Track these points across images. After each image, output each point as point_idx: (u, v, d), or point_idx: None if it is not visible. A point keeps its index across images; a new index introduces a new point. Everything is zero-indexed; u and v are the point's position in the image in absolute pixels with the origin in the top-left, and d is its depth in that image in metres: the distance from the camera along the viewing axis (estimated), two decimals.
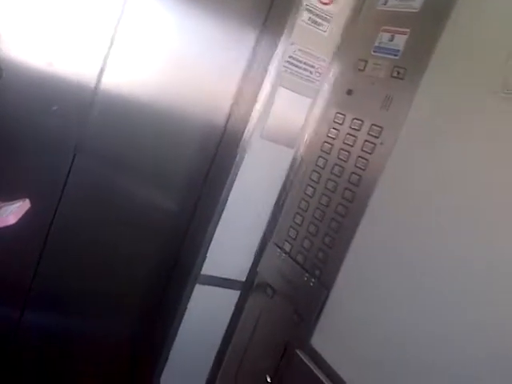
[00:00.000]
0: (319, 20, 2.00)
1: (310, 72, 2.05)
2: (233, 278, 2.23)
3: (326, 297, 1.80)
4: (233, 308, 2.26)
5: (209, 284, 2.18)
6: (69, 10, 1.83)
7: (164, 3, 1.97)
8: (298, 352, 1.82)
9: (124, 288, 2.27)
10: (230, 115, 2.19)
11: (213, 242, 2.13)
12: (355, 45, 2.02)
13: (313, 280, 1.88)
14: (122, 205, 2.14)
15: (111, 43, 1.93)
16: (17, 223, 0.85)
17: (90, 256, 2.14)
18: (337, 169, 1.91)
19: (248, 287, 2.24)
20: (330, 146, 1.98)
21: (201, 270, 2.15)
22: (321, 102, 2.10)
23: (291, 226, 2.07)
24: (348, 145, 1.89)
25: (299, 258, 1.99)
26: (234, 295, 2.26)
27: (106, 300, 2.25)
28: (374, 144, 1.78)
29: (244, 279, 2.24)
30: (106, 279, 2.21)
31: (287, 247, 2.07)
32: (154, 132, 2.10)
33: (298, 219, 2.04)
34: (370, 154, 1.79)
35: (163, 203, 2.24)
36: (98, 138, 2.01)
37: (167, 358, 2.20)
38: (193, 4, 2.01)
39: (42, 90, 1.87)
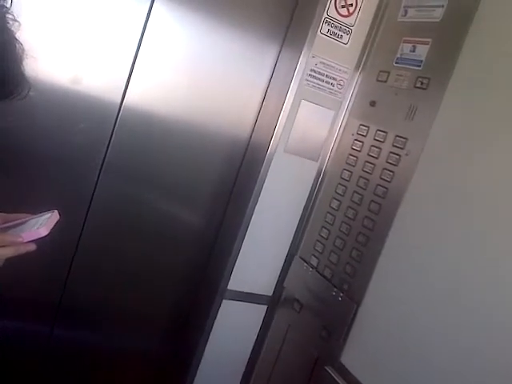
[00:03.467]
0: (339, 32, 1.99)
1: (332, 84, 2.04)
2: (259, 292, 2.21)
3: (355, 311, 1.77)
4: (260, 323, 2.25)
5: (236, 299, 2.17)
6: (93, 28, 1.87)
7: (186, 19, 1.99)
8: (327, 369, 1.79)
9: (151, 303, 2.28)
10: (253, 129, 2.19)
11: (239, 257, 2.12)
12: (377, 56, 2.00)
13: (341, 295, 1.86)
14: (149, 219, 2.16)
15: (134, 60, 1.95)
16: (49, 235, 0.85)
17: (117, 271, 2.16)
18: (362, 181, 1.89)
19: (275, 302, 2.22)
20: (354, 158, 1.96)
21: (227, 285, 2.14)
22: (344, 114, 2.08)
23: (317, 240, 2.05)
24: (373, 157, 1.87)
25: (326, 272, 1.97)
26: (261, 310, 2.24)
27: (133, 315, 2.26)
28: (399, 155, 1.76)
29: (271, 294, 2.23)
30: (132, 294, 2.22)
31: (314, 261, 2.05)
32: (178, 147, 2.11)
33: (324, 233, 2.02)
34: (395, 165, 1.77)
35: (189, 218, 2.24)
36: (123, 154, 2.03)
37: (195, 375, 2.20)
38: (215, 19, 2.02)
39: (69, 107, 1.91)
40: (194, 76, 2.06)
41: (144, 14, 1.92)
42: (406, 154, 1.73)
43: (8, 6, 0.75)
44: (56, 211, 0.93)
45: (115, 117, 1.98)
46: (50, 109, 1.87)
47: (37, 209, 0.99)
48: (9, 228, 0.91)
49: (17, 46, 0.76)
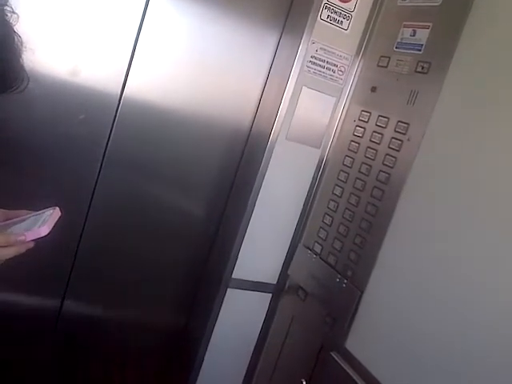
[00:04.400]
0: (339, 18, 1.97)
1: (333, 71, 2.02)
2: (264, 281, 2.22)
3: (360, 298, 1.78)
4: (265, 311, 2.25)
5: (240, 288, 2.18)
6: (91, 20, 1.86)
7: (184, 8, 1.98)
8: (332, 354, 1.80)
9: (155, 295, 2.29)
10: (254, 118, 2.19)
11: (242, 246, 2.12)
12: (377, 41, 1.99)
13: (345, 281, 1.86)
14: (150, 211, 2.16)
15: (134, 50, 1.95)
16: (50, 234, 0.84)
17: (119, 264, 2.17)
18: (364, 167, 1.89)
19: (280, 290, 2.22)
20: (356, 144, 1.96)
21: (231, 274, 2.14)
22: (345, 101, 2.07)
23: (321, 227, 2.05)
24: (375, 142, 1.86)
25: (330, 259, 1.97)
26: (265, 298, 2.25)
27: (136, 307, 2.27)
28: (401, 141, 1.75)
29: (275, 282, 2.23)
30: (136, 286, 2.23)
31: (317, 248, 2.05)
32: (179, 138, 2.12)
33: (328, 220, 2.02)
34: (397, 151, 1.76)
35: (191, 208, 2.25)
36: (124, 145, 2.03)
37: (201, 364, 2.21)
38: (213, 8, 2.01)
39: (68, 99, 1.90)
40: (194, 66, 2.05)
41: (142, 3, 1.91)
42: (408, 140, 1.72)
43: None
44: (57, 208, 0.91)
45: (115, 108, 1.97)
46: (49, 101, 1.87)
47: (37, 204, 0.98)
48: (9, 226, 0.89)
49: (15, 38, 0.76)
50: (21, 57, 0.77)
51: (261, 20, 2.09)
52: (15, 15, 0.77)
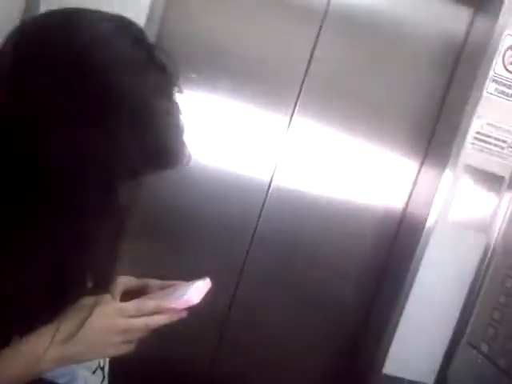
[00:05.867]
0: (509, 90, 1.81)
1: (502, 148, 1.84)
2: (419, 380, 1.99)
3: None
4: None
5: None
6: (244, 122, 1.93)
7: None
8: None
9: (298, 372, 2.14)
10: (408, 200, 2.05)
11: (395, 339, 1.94)
12: None
13: None
14: (298, 291, 2.08)
15: (282, 145, 1.97)
16: (200, 304, 0.82)
17: (265, 342, 2.08)
18: None
19: None
20: None
21: (382, 368, 1.94)
22: None
23: (489, 324, 1.79)
24: None
25: (501, 361, 1.70)
26: None
27: None
28: None
29: (432, 383, 1.97)
30: (279, 369, 2.11)
31: (484, 348, 1.79)
32: (326, 221, 2.04)
33: (497, 315, 1.76)
34: None
35: (339, 293, 2.11)
36: (273, 227, 2.00)
37: None
38: (363, 97, 1.98)
39: (222, 184, 1.95)
40: (342, 156, 2.01)
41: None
42: None
43: (176, 79, 0.77)
44: (208, 279, 0.92)
45: (264, 195, 1.98)
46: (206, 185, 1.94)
47: (188, 278, 0.98)
48: (162, 295, 0.90)
49: (180, 115, 0.77)
50: (184, 134, 0.79)
51: (414, 101, 2.00)
52: (181, 94, 0.78)
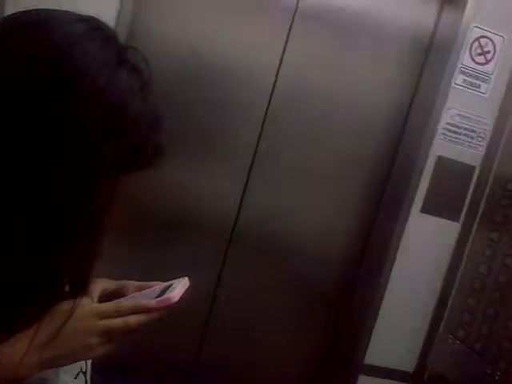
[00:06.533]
0: (476, 81, 1.85)
1: (471, 137, 1.88)
2: (399, 368, 2.02)
3: None
4: None
5: (373, 375, 1.99)
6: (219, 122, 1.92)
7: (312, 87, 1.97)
8: None
9: (277, 375, 2.15)
10: (384, 190, 2.07)
11: (375, 329, 1.97)
12: None
13: (498, 373, 1.61)
14: (279, 287, 2.08)
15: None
16: (179, 302, 0.82)
17: (247, 344, 2.09)
18: None
19: (418, 380, 1.99)
20: (504, 217, 1.76)
21: (363, 358, 1.97)
22: (491, 169, 1.90)
23: (465, 310, 1.83)
24: None
25: (477, 346, 1.74)
26: None
27: None
28: None
29: (412, 370, 2.01)
30: (262, 369, 2.12)
31: (461, 334, 1.83)
32: (304, 214, 2.05)
33: (472, 301, 1.81)
34: None
35: (319, 287, 2.13)
36: (251, 223, 2.01)
37: None
38: (339, 88, 1.99)
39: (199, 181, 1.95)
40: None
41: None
42: None
43: (149, 77, 0.77)
44: (186, 278, 0.91)
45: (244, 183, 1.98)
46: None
47: (167, 279, 0.99)
48: (140, 296, 0.89)
49: (155, 114, 0.77)
50: (160, 132, 0.78)
51: (386, 92, 2.02)
52: (153, 93, 0.78)
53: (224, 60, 1.89)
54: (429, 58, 1.99)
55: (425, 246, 1.95)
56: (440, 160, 1.88)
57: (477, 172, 1.90)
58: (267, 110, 1.94)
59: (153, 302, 0.81)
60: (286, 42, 1.91)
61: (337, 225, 2.10)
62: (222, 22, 1.88)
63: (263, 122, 1.94)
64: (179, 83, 1.86)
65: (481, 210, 1.90)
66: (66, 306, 0.74)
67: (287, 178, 2.01)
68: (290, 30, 1.91)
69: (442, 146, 1.88)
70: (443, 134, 1.86)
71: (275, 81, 1.92)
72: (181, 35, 1.86)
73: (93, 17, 0.74)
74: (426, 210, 1.92)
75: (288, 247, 2.07)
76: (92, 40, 0.69)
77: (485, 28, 1.85)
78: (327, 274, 2.13)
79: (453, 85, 1.86)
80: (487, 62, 1.86)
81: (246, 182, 1.98)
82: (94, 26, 0.73)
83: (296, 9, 1.91)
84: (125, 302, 0.79)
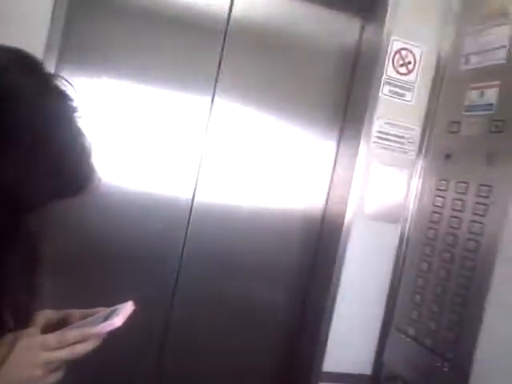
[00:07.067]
0: (401, 91, 1.96)
1: (402, 143, 1.98)
2: (358, 372, 2.07)
3: (466, 382, 1.60)
4: None
5: (333, 382, 2.03)
6: (159, 131, 1.94)
7: (246, 116, 2.03)
8: None
9: None
10: (327, 202, 2.15)
11: (330, 335, 2.01)
12: (444, 108, 1.94)
13: (446, 365, 1.69)
14: (232, 304, 2.11)
15: (201, 159, 2.00)
16: (123, 326, 0.84)
17: (204, 356, 2.09)
18: (450, 238, 1.77)
19: (376, 381, 2.05)
20: (437, 215, 1.86)
21: (321, 366, 2.01)
22: (420, 172, 2.00)
23: (412, 308, 1.91)
24: (457, 210, 1.76)
25: (427, 341, 1.81)
26: None
27: None
28: (486, 205, 1.64)
29: (370, 372, 2.07)
30: (222, 379, 2.13)
31: (411, 331, 1.90)
32: (252, 231, 2.09)
33: (418, 298, 1.89)
34: (483, 216, 1.65)
35: (273, 298, 2.17)
36: (201, 244, 2.03)
37: None
38: (273, 103, 2.05)
39: (141, 202, 1.96)
40: (260, 159, 2.07)
41: (205, 118, 1.98)
42: (494, 203, 1.62)
43: (76, 105, 0.79)
44: (130, 302, 0.93)
45: (188, 212, 2.01)
46: (126, 207, 1.94)
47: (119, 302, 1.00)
48: (85, 324, 0.91)
49: (85, 141, 0.79)
50: (91, 159, 0.80)
51: (321, 108, 2.11)
52: (84, 120, 0.80)
53: None
54: (356, 72, 2.10)
55: (371, 250, 2.03)
56: (375, 166, 1.97)
57: (408, 174, 2.00)
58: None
59: (96, 329, 0.84)
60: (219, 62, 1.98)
61: (285, 243, 2.15)
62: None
63: None
64: None
65: (415, 212, 2.00)
66: (9, 338, 0.76)
67: None
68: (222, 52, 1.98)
69: (375, 153, 1.97)
70: (375, 142, 1.96)
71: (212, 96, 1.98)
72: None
73: (17, 48, 0.77)
74: (369, 215, 2.00)
75: (239, 268, 2.10)
76: (16, 69, 0.72)
77: (404, 40, 1.96)
78: (278, 291, 2.17)
79: (380, 95, 1.96)
80: (409, 72, 1.97)
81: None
82: (18, 55, 0.76)
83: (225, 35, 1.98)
84: (68, 332, 0.81)
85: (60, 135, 0.73)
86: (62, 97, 0.76)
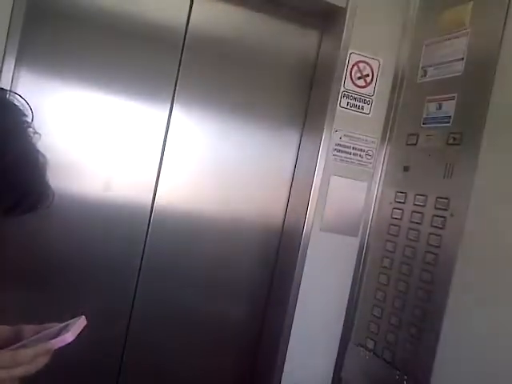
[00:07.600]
0: (359, 103, 1.97)
1: (360, 156, 1.98)
2: None
3: None
4: None
5: None
6: (118, 139, 1.90)
7: (204, 123, 2.00)
8: None
9: None
10: (285, 214, 2.13)
11: (289, 350, 1.98)
12: (403, 121, 1.96)
13: (405, 377, 1.68)
14: (191, 316, 2.07)
15: (160, 163, 1.96)
16: (75, 341, 0.84)
17: (162, 371, 2.04)
18: (409, 250, 1.78)
19: None
20: (396, 227, 1.86)
21: (280, 381, 1.98)
22: (378, 184, 2.01)
23: (371, 321, 1.90)
24: (415, 223, 1.77)
25: (386, 354, 1.81)
26: None
27: None
28: (444, 217, 1.65)
29: None
30: None
31: (370, 344, 1.89)
32: (212, 241, 2.07)
33: (377, 311, 1.88)
34: (441, 228, 1.66)
35: (231, 311, 2.14)
36: (160, 254, 1.99)
37: None
38: (232, 120, 2.03)
39: (101, 213, 1.90)
40: (219, 172, 2.04)
41: (164, 120, 1.94)
42: (451, 215, 1.63)
43: (29, 120, 0.78)
44: (83, 317, 0.93)
45: (147, 219, 1.96)
46: (83, 215, 1.88)
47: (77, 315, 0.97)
48: (37, 340, 0.90)
49: (39, 156, 0.77)
50: (45, 174, 0.79)
51: (280, 120, 2.10)
52: (38, 135, 0.80)
53: None
54: (314, 85, 2.10)
55: (329, 264, 2.01)
56: (333, 178, 1.97)
57: (366, 187, 2.01)
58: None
59: (48, 345, 0.83)
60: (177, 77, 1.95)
61: (245, 256, 2.12)
62: None
63: None
64: None
65: (374, 224, 2.00)
66: None
67: None
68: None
69: (333, 166, 1.96)
70: (333, 154, 1.95)
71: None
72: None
73: None
74: (327, 227, 1.99)
75: (198, 281, 2.06)
76: None
77: (362, 53, 1.97)
78: (238, 303, 2.14)
79: (338, 108, 1.96)
80: (367, 84, 1.98)
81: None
82: None
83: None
84: (22, 350, 0.80)
85: (13, 151, 0.72)
86: (16, 112, 0.74)
